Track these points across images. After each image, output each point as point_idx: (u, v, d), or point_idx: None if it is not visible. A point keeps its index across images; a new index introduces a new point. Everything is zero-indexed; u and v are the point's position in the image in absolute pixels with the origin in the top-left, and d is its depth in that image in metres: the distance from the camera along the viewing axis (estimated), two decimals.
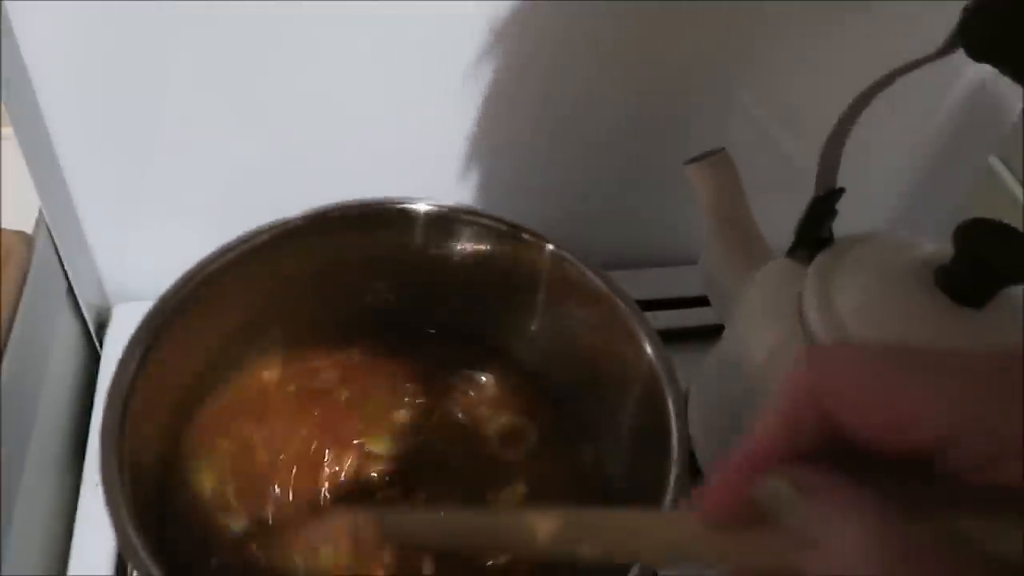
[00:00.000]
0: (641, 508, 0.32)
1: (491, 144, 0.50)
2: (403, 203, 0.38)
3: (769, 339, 0.40)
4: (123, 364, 0.32)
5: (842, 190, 0.41)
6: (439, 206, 0.38)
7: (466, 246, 0.38)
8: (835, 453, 0.20)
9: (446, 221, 0.38)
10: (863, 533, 0.17)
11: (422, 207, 0.38)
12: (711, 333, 0.48)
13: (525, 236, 0.37)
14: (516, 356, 0.41)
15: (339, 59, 0.46)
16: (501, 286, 0.39)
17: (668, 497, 0.31)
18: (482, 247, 0.38)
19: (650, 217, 0.58)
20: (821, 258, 0.40)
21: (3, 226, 0.44)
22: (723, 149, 0.46)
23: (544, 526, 0.24)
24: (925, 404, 0.18)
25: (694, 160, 0.46)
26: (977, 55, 0.34)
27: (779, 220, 0.43)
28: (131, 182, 0.49)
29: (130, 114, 0.46)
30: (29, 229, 0.45)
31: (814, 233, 0.41)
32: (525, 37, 0.46)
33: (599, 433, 0.39)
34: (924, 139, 0.58)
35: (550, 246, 0.37)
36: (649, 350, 0.35)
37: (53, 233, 0.46)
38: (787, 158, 0.52)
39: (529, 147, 0.52)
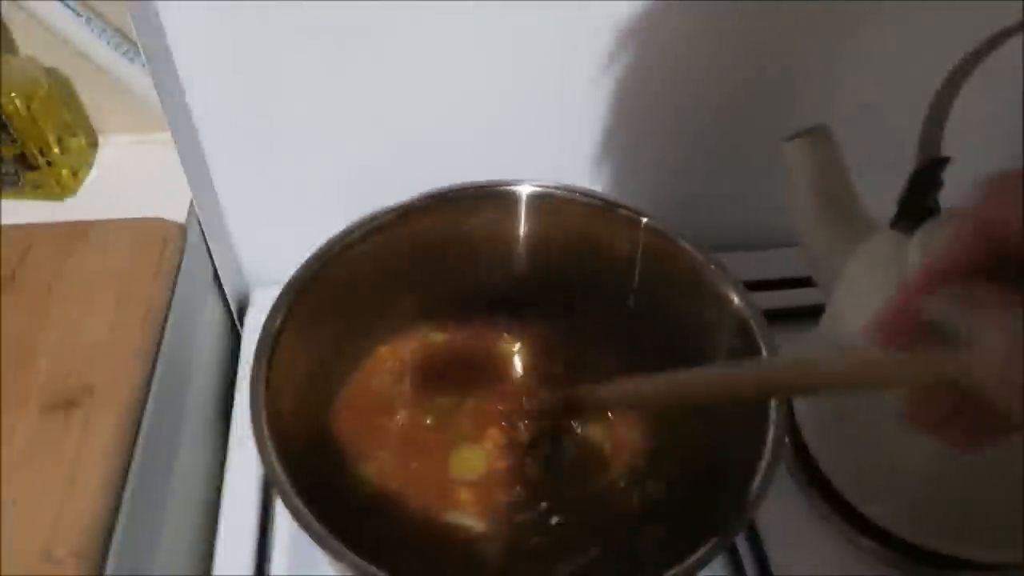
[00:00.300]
0: None
1: (603, 131, 0.53)
2: (508, 184, 0.41)
3: (874, 307, 0.40)
4: (266, 325, 0.36)
5: (947, 159, 0.40)
6: (540, 186, 0.40)
7: (565, 222, 0.41)
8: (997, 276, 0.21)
9: (547, 199, 0.40)
10: (1009, 334, 0.19)
11: (525, 188, 0.41)
12: (815, 313, 0.48)
13: (621, 211, 0.39)
14: (614, 329, 0.43)
15: (453, 54, 0.49)
16: (598, 260, 0.41)
17: (766, 454, 0.32)
18: (580, 222, 0.41)
19: (755, 199, 0.59)
20: (926, 228, 0.40)
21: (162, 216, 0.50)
22: (824, 125, 0.46)
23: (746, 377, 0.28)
24: None
25: (792, 137, 0.46)
26: None
27: (887, 199, 0.43)
28: (267, 176, 0.54)
29: (265, 115, 0.51)
30: (182, 219, 0.51)
31: (918, 204, 0.41)
32: (640, 33, 0.48)
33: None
34: None
35: (644, 219, 0.38)
36: (739, 304, 0.37)
37: (202, 223, 0.51)
38: (893, 134, 0.52)
39: (639, 132, 0.54)
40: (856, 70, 0.53)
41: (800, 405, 0.47)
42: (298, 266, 0.39)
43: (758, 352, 0.35)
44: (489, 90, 0.51)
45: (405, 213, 0.40)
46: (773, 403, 0.34)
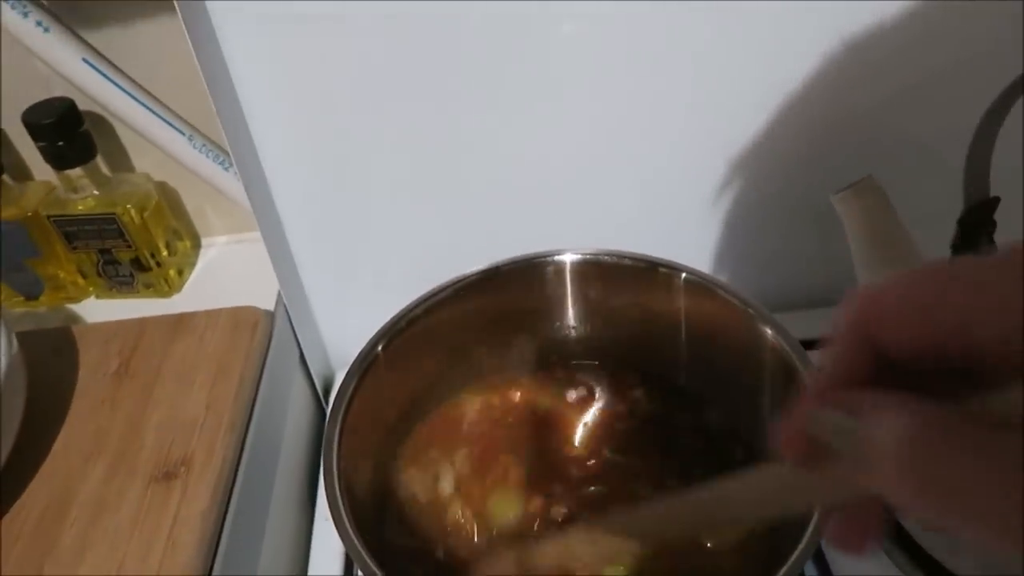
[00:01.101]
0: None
1: (655, 201, 0.55)
2: (554, 254, 0.44)
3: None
4: (333, 414, 0.40)
5: (996, 200, 0.40)
6: (582, 253, 0.43)
7: (609, 285, 0.43)
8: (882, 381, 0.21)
9: (590, 266, 0.43)
10: (902, 422, 0.18)
11: (568, 256, 0.44)
12: None
13: (662, 269, 0.41)
14: (669, 381, 0.44)
15: (521, 144, 0.53)
16: (645, 318, 0.43)
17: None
18: (624, 284, 0.43)
19: (812, 256, 0.59)
20: None
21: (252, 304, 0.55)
22: (869, 175, 0.47)
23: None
24: (961, 303, 0.19)
25: (840, 190, 0.47)
26: None
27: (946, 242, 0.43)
28: (347, 264, 0.59)
29: (345, 211, 0.56)
30: (271, 307, 0.56)
31: (972, 246, 0.41)
32: (685, 103, 0.51)
33: (749, 435, 0.41)
34: None
35: (684, 274, 0.40)
36: (774, 336, 0.39)
37: (288, 309, 0.56)
38: (949, 178, 0.52)
39: (692, 201, 0.56)
40: (904, 115, 0.54)
41: None
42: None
43: (798, 377, 0.35)
44: (554, 161, 0.54)
45: (461, 288, 0.43)
46: None
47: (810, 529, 0.31)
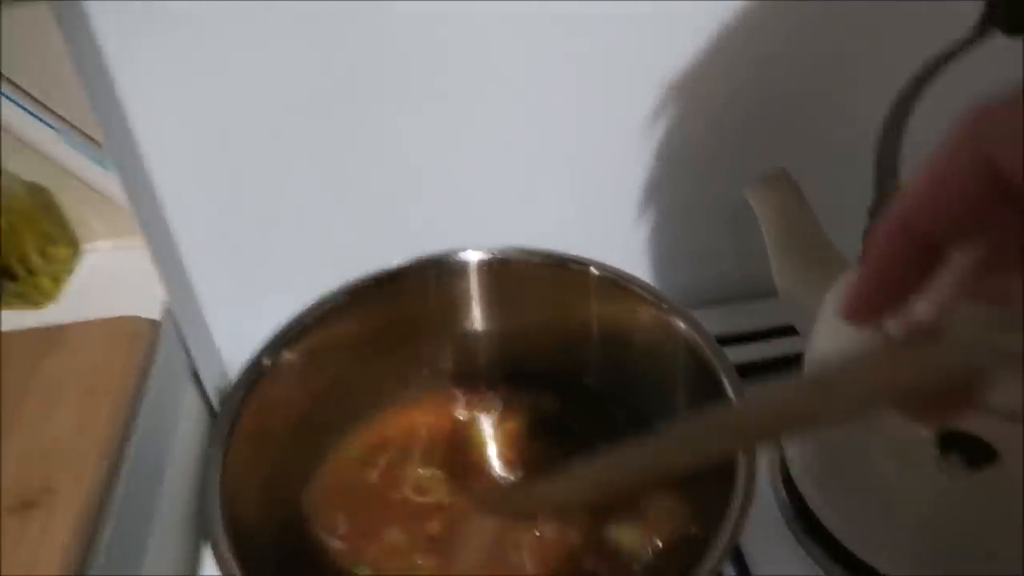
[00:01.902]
0: None
1: (568, 200, 0.53)
2: (457, 253, 0.41)
3: (849, 346, 0.39)
4: (214, 434, 0.36)
5: None
6: (488, 251, 0.40)
7: (518, 284, 0.40)
8: (991, 215, 0.18)
9: (496, 264, 0.40)
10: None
11: (472, 255, 0.41)
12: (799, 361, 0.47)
13: (572, 266, 0.38)
14: (582, 383, 0.42)
15: (415, 139, 0.50)
16: (557, 318, 0.40)
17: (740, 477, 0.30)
18: (535, 283, 0.40)
19: (733, 251, 0.58)
20: None
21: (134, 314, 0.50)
22: (782, 169, 0.46)
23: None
24: None
25: (753, 184, 0.46)
26: (1010, 31, 0.33)
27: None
28: (243, 269, 0.55)
29: (239, 212, 0.52)
30: (157, 316, 0.51)
31: None
32: (597, 101, 0.49)
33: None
34: None
35: (593, 269, 0.38)
36: (687, 329, 0.37)
37: (176, 319, 0.51)
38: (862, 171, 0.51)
39: (606, 200, 0.55)
40: (813, 109, 0.53)
41: (792, 451, 0.45)
42: None
43: (712, 372, 0.33)
44: (465, 160, 0.52)
45: (356, 292, 0.40)
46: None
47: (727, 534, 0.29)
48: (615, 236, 0.56)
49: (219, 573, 0.45)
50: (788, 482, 0.45)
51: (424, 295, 0.41)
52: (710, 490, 0.33)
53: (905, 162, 0.39)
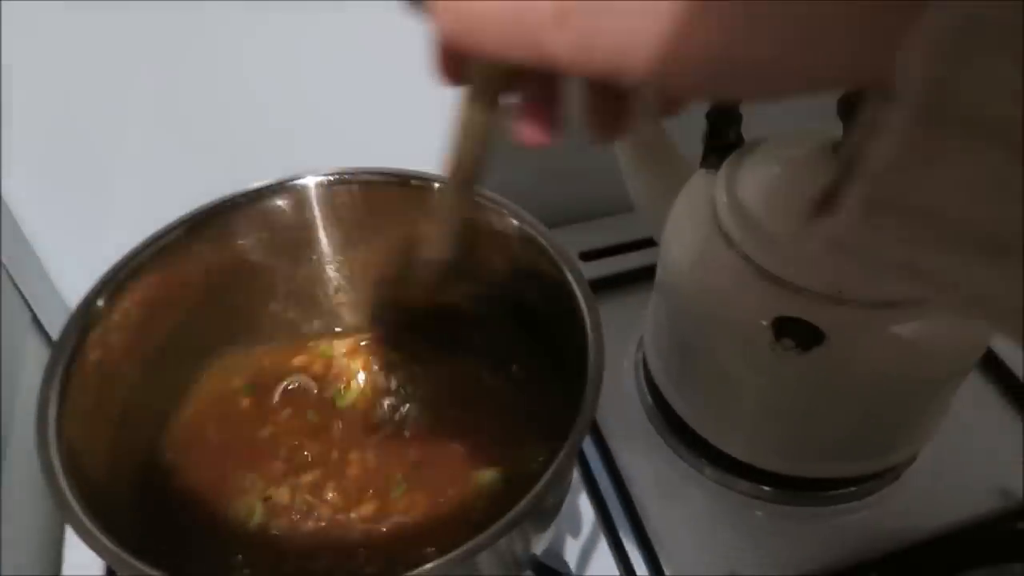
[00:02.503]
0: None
1: (408, 118, 0.52)
2: (295, 179, 0.39)
3: (693, 249, 0.41)
4: (47, 378, 0.33)
5: None
6: (326, 174, 0.39)
7: (361, 207, 0.40)
8: None
9: (337, 187, 0.39)
10: None
11: (311, 179, 0.39)
12: None
13: (414, 182, 0.38)
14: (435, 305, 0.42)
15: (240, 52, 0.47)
16: (405, 238, 0.40)
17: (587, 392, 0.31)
18: (378, 204, 0.39)
19: (586, 169, 0.59)
20: (729, 161, 0.41)
21: None
22: None
23: None
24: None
25: None
26: None
27: None
28: (79, 209, 0.51)
29: (65, 141, 0.48)
30: None
31: (721, 140, 0.42)
32: None
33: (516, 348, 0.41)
34: None
35: (437, 185, 0.37)
36: (529, 232, 0.37)
37: (5, 264, 0.47)
38: None
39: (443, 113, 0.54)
40: None
41: (652, 353, 0.47)
42: None
43: (559, 273, 0.35)
44: (289, 80, 0.49)
45: (191, 226, 0.38)
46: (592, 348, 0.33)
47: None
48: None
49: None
50: (649, 380, 0.48)
51: (265, 224, 0.39)
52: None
53: None
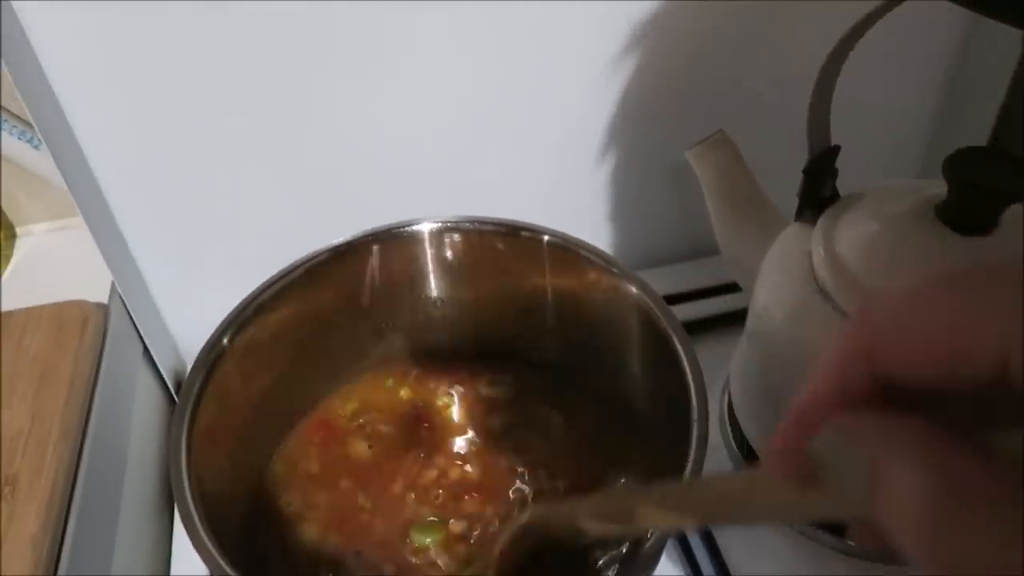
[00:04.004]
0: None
1: (510, 168, 0.54)
2: (411, 224, 0.41)
3: (787, 301, 0.41)
4: (178, 413, 0.36)
5: (837, 148, 0.41)
6: (441, 220, 0.41)
7: (472, 254, 0.41)
8: (886, 403, 0.19)
9: (450, 234, 0.41)
10: (924, 479, 0.17)
11: (426, 226, 0.41)
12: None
13: (524, 233, 0.39)
14: (537, 353, 0.43)
15: (361, 108, 0.50)
16: (512, 287, 0.42)
17: (691, 449, 0.32)
18: (488, 251, 0.41)
19: (676, 212, 0.60)
20: (826, 215, 0.41)
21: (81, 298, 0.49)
22: (720, 131, 0.47)
23: (642, 504, 0.26)
24: (979, 320, 0.17)
25: (693, 146, 0.48)
26: None
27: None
28: (191, 247, 0.54)
29: (183, 187, 0.51)
30: (104, 300, 0.50)
31: (816, 194, 0.42)
32: (540, 66, 0.50)
33: (620, 404, 0.41)
34: (932, 89, 0.58)
35: (546, 237, 0.39)
36: (639, 293, 0.38)
37: (125, 300, 0.51)
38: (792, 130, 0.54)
39: (547, 163, 0.55)
40: (752, 76, 0.55)
41: (739, 402, 0.47)
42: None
43: (663, 333, 0.35)
44: (408, 130, 0.51)
45: (311, 267, 0.40)
46: (694, 401, 0.34)
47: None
48: (560, 200, 0.57)
49: (189, 550, 0.47)
50: (735, 427, 0.48)
51: (378, 268, 0.42)
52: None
53: (834, 122, 0.41)
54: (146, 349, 0.54)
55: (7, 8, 0.41)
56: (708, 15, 0.50)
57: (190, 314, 0.57)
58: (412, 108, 0.51)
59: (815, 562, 0.44)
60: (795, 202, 0.44)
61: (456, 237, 0.41)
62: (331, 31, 0.46)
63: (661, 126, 0.55)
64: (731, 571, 0.42)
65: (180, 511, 0.32)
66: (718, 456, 0.50)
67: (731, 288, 0.57)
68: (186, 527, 0.32)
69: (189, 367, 0.57)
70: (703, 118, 0.53)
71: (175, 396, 0.57)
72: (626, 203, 0.59)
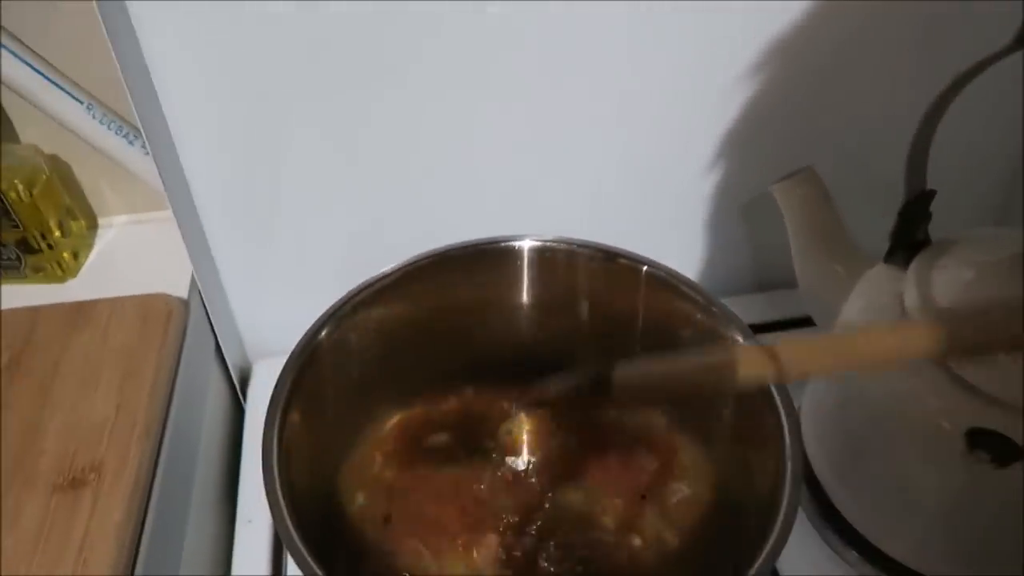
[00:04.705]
0: None
1: (606, 188, 0.55)
2: (508, 240, 0.42)
3: None
4: (274, 397, 0.36)
5: (933, 192, 0.41)
6: (541, 240, 0.41)
7: (568, 276, 0.42)
8: None
9: (548, 253, 0.41)
10: None
11: (526, 243, 0.41)
12: None
13: (622, 260, 0.39)
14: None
15: (450, 119, 0.50)
16: (603, 313, 0.42)
17: (784, 497, 0.32)
18: (582, 275, 0.41)
19: (753, 244, 0.60)
20: (919, 259, 0.41)
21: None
22: (809, 167, 0.47)
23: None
24: None
25: (780, 180, 0.48)
26: None
27: (874, 240, 0.44)
28: (267, 249, 0.55)
29: (263, 190, 0.52)
30: (184, 295, 0.51)
31: (909, 237, 0.42)
32: (639, 94, 0.51)
33: (712, 442, 0.41)
34: (1011, 138, 0.57)
35: (645, 267, 0.39)
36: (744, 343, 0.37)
37: (204, 297, 0.51)
38: (878, 177, 0.53)
39: (632, 195, 0.56)
40: (838, 118, 0.55)
41: (811, 441, 0.47)
42: (299, 337, 0.40)
43: (768, 394, 0.34)
44: (490, 147, 0.52)
45: (403, 276, 0.40)
46: (787, 440, 0.34)
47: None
48: (644, 226, 0.56)
49: (250, 548, 0.47)
50: (808, 471, 0.47)
51: (473, 280, 0.42)
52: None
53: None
54: (217, 345, 0.55)
55: (120, 7, 0.42)
56: (803, 52, 0.50)
57: (256, 315, 0.58)
58: (497, 128, 0.51)
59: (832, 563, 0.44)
60: (882, 244, 0.44)
61: (553, 256, 0.41)
62: (426, 46, 0.47)
63: (748, 162, 0.55)
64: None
65: (272, 510, 0.32)
66: None
67: (800, 322, 0.57)
68: (278, 528, 0.32)
69: (255, 366, 0.58)
70: (781, 154, 0.53)
71: (240, 392, 0.57)
72: (699, 232, 0.59)
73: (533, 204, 0.53)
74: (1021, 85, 0.51)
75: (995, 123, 0.55)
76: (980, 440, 0.35)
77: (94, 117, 0.52)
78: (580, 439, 0.44)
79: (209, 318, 0.53)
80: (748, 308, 0.60)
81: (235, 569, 0.47)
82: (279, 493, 0.33)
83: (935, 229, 0.43)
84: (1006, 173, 0.60)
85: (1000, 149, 0.58)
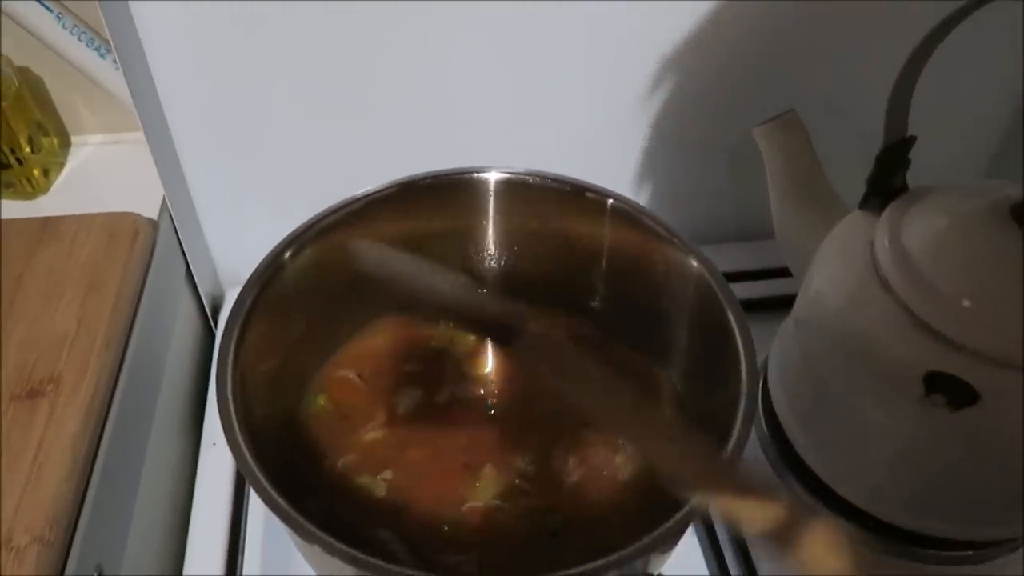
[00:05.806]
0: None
1: (587, 126, 0.54)
2: (475, 171, 0.41)
3: (844, 289, 0.41)
4: (230, 319, 0.36)
5: (913, 138, 0.41)
6: (509, 171, 0.40)
7: (535, 209, 0.41)
8: None
9: (515, 185, 0.40)
10: None
11: (492, 174, 0.41)
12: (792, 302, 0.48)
13: (589, 194, 0.39)
14: (582, 314, 0.43)
15: (431, 51, 0.49)
16: (569, 245, 0.41)
17: (736, 425, 0.32)
18: (549, 208, 0.41)
19: (737, 192, 0.59)
20: (893, 206, 0.40)
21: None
22: (792, 110, 0.46)
23: None
24: None
25: (762, 123, 0.47)
26: None
27: (855, 189, 0.43)
28: (241, 177, 0.54)
29: (239, 115, 0.51)
30: (153, 215, 0.51)
31: (886, 183, 0.41)
32: (626, 37, 0.49)
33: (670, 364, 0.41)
34: (1010, 88, 0.56)
35: (611, 201, 0.38)
36: (698, 267, 0.38)
37: (174, 219, 0.51)
38: (858, 126, 0.52)
39: (613, 135, 0.55)
40: (822, 66, 0.54)
41: (777, 389, 0.47)
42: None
43: (720, 311, 0.35)
44: (471, 82, 0.51)
45: (369, 203, 0.40)
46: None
47: None
48: (616, 168, 0.56)
49: (214, 473, 0.47)
50: (769, 411, 0.47)
51: (439, 210, 0.41)
52: None
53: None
54: (188, 270, 0.54)
55: None
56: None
57: (231, 243, 0.57)
58: (472, 63, 0.50)
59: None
60: (850, 193, 0.44)
61: (519, 188, 0.40)
62: None
63: (727, 106, 0.54)
64: (758, 572, 0.42)
65: (222, 420, 0.32)
66: (749, 448, 0.49)
67: (777, 273, 0.57)
68: (230, 444, 0.32)
69: (228, 293, 0.58)
70: (766, 101, 0.52)
71: (211, 319, 0.57)
72: (679, 179, 0.58)
73: (511, 140, 0.52)
74: (1021, 32, 0.50)
75: (992, 70, 0.54)
76: (938, 383, 0.35)
77: (63, 27, 0.50)
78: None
79: (180, 241, 0.52)
80: (726, 255, 0.59)
81: (198, 489, 0.47)
82: (231, 409, 0.33)
83: (926, 179, 0.42)
84: (1006, 121, 0.59)
85: (999, 98, 0.57)
